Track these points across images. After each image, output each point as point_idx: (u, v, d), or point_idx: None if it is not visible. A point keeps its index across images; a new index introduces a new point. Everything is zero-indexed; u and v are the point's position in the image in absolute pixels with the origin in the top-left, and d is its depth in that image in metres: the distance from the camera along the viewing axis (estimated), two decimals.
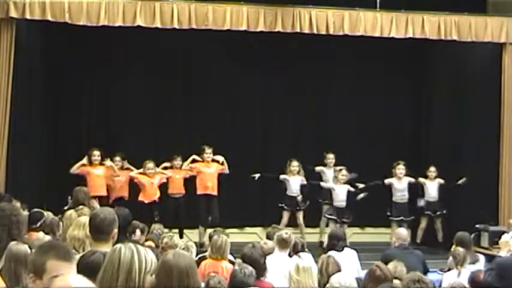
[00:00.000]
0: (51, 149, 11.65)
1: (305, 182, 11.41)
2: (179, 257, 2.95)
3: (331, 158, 11.69)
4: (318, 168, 11.73)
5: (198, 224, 11.16)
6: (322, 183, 11.48)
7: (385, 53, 12.20)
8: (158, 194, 10.95)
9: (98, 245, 3.97)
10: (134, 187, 11.05)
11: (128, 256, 2.90)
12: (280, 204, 11.36)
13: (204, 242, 10.19)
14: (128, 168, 11.04)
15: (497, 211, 11.04)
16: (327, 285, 4.95)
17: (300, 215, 11.38)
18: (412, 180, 11.45)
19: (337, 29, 10.59)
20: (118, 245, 2.99)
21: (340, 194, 11.19)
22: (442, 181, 11.50)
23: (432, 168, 11.56)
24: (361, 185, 11.32)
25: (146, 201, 10.79)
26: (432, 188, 11.51)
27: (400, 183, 11.40)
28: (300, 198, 11.33)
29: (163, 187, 11.12)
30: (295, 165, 11.32)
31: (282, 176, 11.33)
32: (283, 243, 7.02)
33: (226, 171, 11.17)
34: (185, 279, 2.88)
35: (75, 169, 10.60)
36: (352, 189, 11.21)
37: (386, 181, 11.41)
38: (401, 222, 11.10)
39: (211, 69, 12.26)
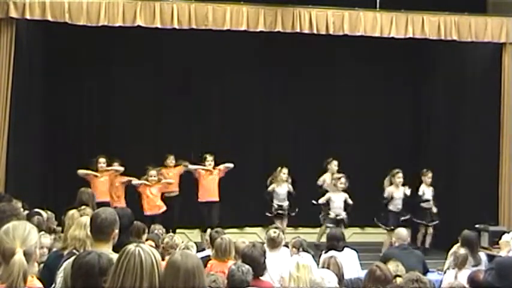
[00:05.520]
0: (51, 149, 11.65)
1: (292, 190, 11.29)
2: (187, 257, 2.95)
3: (335, 164, 11.58)
4: (321, 179, 11.59)
5: (198, 227, 11.15)
6: (320, 200, 11.21)
7: (385, 53, 12.19)
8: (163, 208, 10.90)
9: (98, 246, 3.97)
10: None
11: (149, 261, 2.87)
12: (270, 214, 11.25)
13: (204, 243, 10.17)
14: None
15: (497, 211, 11.04)
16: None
17: (284, 223, 11.26)
18: (408, 192, 11.20)
19: (337, 29, 10.58)
20: (131, 248, 2.91)
21: (337, 201, 11.10)
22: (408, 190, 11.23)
23: (429, 174, 11.46)
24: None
25: (148, 213, 10.69)
26: (427, 194, 11.42)
27: (398, 192, 11.24)
28: (286, 205, 11.26)
29: None
30: (285, 172, 11.25)
31: (270, 187, 11.25)
32: (271, 242, 7.00)
33: (230, 165, 11.06)
34: (191, 279, 2.88)
35: (82, 173, 10.56)
36: (350, 202, 11.07)
37: (387, 194, 11.19)
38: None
39: (211, 69, 12.26)
